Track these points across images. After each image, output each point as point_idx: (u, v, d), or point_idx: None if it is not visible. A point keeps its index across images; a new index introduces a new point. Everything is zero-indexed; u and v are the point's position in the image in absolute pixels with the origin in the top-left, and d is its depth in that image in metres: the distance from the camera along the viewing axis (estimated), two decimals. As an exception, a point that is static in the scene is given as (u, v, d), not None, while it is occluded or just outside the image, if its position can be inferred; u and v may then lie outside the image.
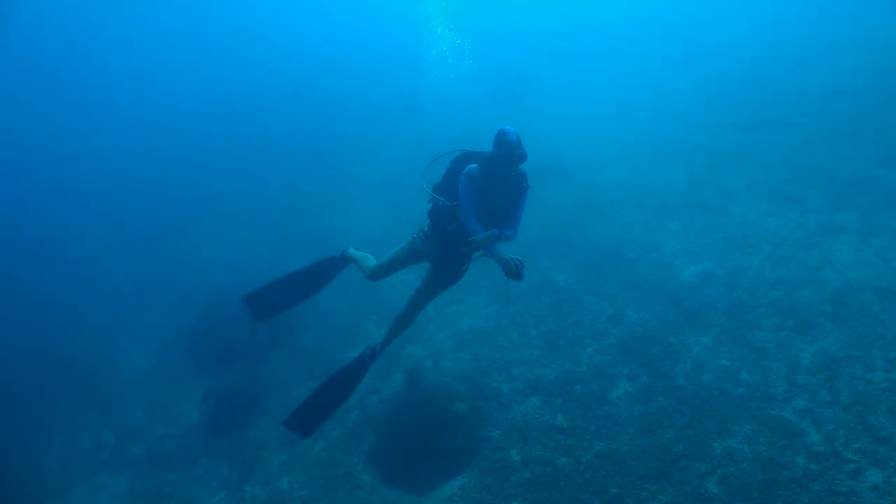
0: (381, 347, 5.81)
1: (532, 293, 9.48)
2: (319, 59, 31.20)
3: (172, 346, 11.40)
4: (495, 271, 9.43)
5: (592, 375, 7.38)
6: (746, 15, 23.29)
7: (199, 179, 20.01)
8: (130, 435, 9.72)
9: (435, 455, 7.08)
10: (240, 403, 9.36)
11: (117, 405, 10.63)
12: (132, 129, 27.31)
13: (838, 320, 6.84)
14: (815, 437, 5.55)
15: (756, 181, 10.60)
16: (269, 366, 10.02)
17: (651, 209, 10.87)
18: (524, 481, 6.29)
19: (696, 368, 6.89)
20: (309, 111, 23.86)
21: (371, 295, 10.68)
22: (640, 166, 12.92)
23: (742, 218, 9.67)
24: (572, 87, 20.48)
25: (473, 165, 4.91)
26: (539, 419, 7.02)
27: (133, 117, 28.48)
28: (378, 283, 10.85)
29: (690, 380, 6.76)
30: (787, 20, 21.05)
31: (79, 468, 9.34)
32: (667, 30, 24.55)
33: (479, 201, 4.93)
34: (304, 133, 21.88)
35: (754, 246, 8.80)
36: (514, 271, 4.68)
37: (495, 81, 21.25)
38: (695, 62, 19.66)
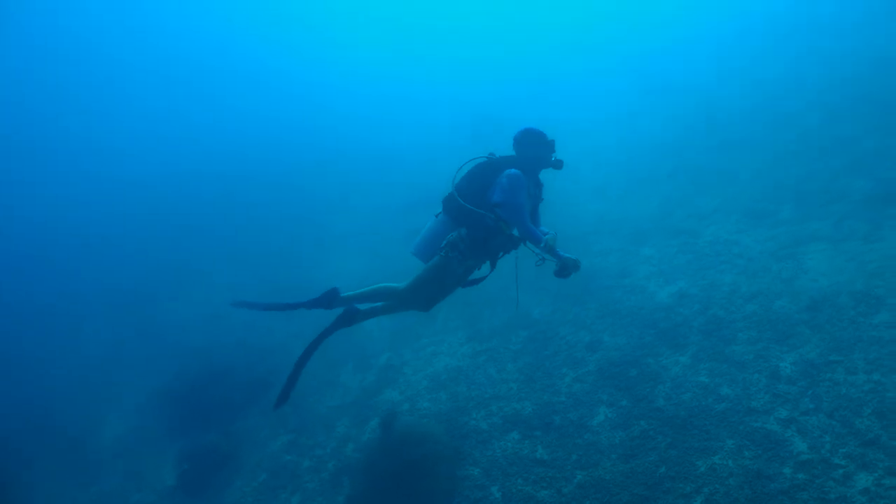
0: (353, 310, 5.09)
1: (508, 328, 9.30)
2: (290, 117, 31.65)
3: (150, 409, 11.15)
4: (469, 308, 9.30)
5: (571, 405, 7.14)
6: (708, 40, 23.83)
7: (174, 241, 19.98)
8: (106, 502, 9.36)
9: (414, 498, 6.79)
10: (215, 463, 9.08)
11: (93, 472, 10.40)
12: (106, 191, 27.43)
13: (816, 327, 6.67)
14: (801, 445, 5.32)
15: (727, 201, 10.57)
16: (245, 422, 9.74)
17: (625, 236, 10.80)
18: (505, 518, 5.99)
19: (675, 388, 6.67)
20: (284, 168, 24.04)
21: (347, 344, 10.48)
22: (614, 196, 12.95)
23: (714, 237, 9.59)
24: (546, 127, 20.62)
25: (514, 170, 4.78)
26: (519, 453, 6.76)
27: (108, 177, 28.65)
28: (353, 331, 10.76)
29: (671, 400, 6.53)
30: (748, 42, 21.55)
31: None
32: (633, 65, 25.04)
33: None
34: (281, 189, 21.98)
35: (728, 262, 8.68)
36: (571, 272, 4.59)
37: (469, 127, 21.50)
38: (663, 93, 19.99)
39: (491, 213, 4.71)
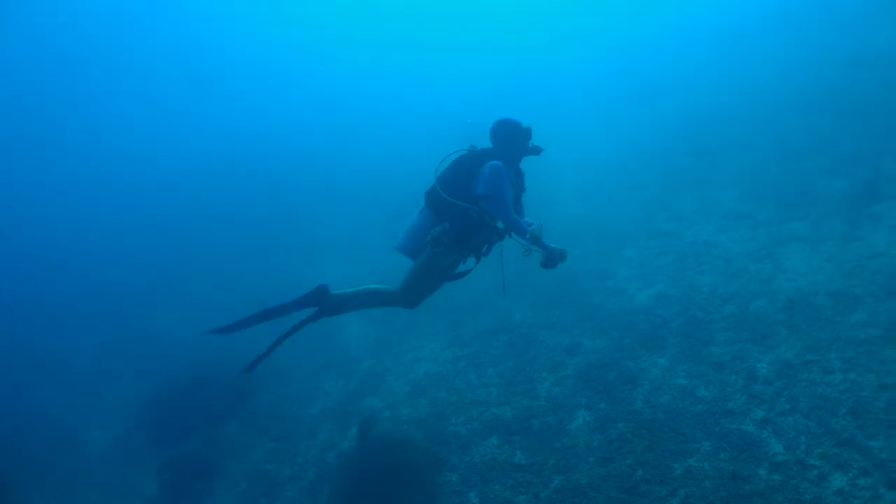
0: (338, 301, 4.93)
1: (489, 333, 9.25)
2: (279, 120, 31.43)
3: (131, 419, 11.04)
4: (452, 313, 9.25)
5: (550, 409, 7.10)
6: (689, 40, 23.80)
7: (157, 248, 19.85)
8: (86, 513, 9.29)
9: (393, 506, 6.72)
10: (196, 472, 9.01)
11: (75, 485, 10.25)
12: (101, 194, 27.20)
13: (793, 327, 6.65)
14: (777, 446, 5.28)
15: (708, 203, 10.56)
16: (226, 430, 9.69)
17: (607, 239, 10.78)
18: (482, 524, 5.94)
19: (653, 390, 6.63)
20: (270, 172, 23.88)
21: (330, 350, 10.43)
22: (597, 199, 12.91)
23: (694, 238, 9.58)
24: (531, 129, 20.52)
25: (496, 161, 4.74)
26: (498, 458, 6.70)
27: (103, 179, 28.41)
28: (336, 337, 10.74)
29: (648, 402, 6.49)
30: (727, 42, 21.59)
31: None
32: (616, 67, 25.01)
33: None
34: (267, 195, 21.86)
35: (707, 263, 8.67)
36: (558, 262, 4.55)
37: (451, 129, 21.42)
38: (648, 95, 19.94)
39: (475, 205, 4.68)
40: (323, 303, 4.97)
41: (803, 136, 11.65)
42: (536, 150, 5.05)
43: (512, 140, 4.99)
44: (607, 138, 17.23)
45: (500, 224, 4.84)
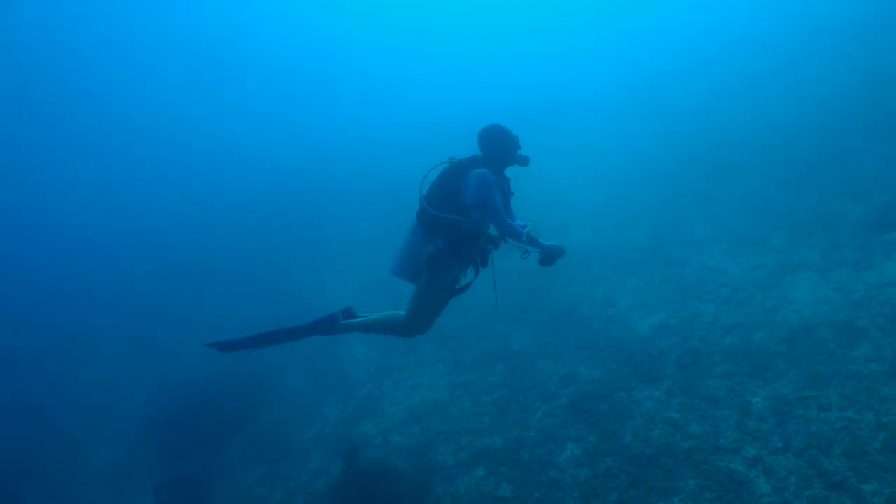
0: (345, 327, 5.00)
1: (488, 360, 9.06)
2: (290, 132, 31.58)
3: (136, 437, 11.12)
4: (452, 340, 9.11)
5: (540, 440, 6.89)
6: (705, 60, 23.37)
7: (164, 265, 20.05)
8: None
9: (374, 537, 6.57)
10: (191, 495, 8.97)
11: (78, 499, 10.32)
12: (106, 199, 27.50)
13: (793, 360, 6.34)
14: (765, 487, 5.00)
15: (718, 228, 10.25)
16: (225, 452, 9.67)
17: (613, 266, 10.51)
18: (460, 559, 5.75)
19: (644, 424, 6.38)
20: (283, 180, 23.99)
21: (334, 373, 10.38)
22: (605, 224, 12.62)
23: (700, 265, 9.28)
24: (541, 150, 20.28)
25: (481, 170, 4.66)
26: (482, 490, 6.51)
27: (98, 198, 28.72)
28: (340, 361, 10.67)
29: (638, 436, 6.24)
30: (741, 58, 21.18)
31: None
32: (630, 81, 24.68)
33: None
34: (277, 207, 21.98)
35: (712, 292, 8.37)
36: (557, 258, 4.47)
37: (463, 148, 21.36)
38: (659, 112, 19.60)
39: (466, 216, 4.57)
40: (333, 332, 4.95)
41: (818, 157, 11.28)
42: (523, 161, 4.96)
43: (500, 146, 4.90)
44: (618, 158, 16.91)
45: (493, 231, 4.73)
